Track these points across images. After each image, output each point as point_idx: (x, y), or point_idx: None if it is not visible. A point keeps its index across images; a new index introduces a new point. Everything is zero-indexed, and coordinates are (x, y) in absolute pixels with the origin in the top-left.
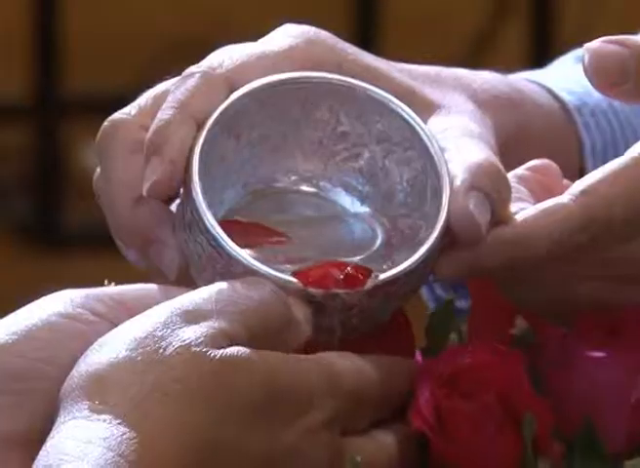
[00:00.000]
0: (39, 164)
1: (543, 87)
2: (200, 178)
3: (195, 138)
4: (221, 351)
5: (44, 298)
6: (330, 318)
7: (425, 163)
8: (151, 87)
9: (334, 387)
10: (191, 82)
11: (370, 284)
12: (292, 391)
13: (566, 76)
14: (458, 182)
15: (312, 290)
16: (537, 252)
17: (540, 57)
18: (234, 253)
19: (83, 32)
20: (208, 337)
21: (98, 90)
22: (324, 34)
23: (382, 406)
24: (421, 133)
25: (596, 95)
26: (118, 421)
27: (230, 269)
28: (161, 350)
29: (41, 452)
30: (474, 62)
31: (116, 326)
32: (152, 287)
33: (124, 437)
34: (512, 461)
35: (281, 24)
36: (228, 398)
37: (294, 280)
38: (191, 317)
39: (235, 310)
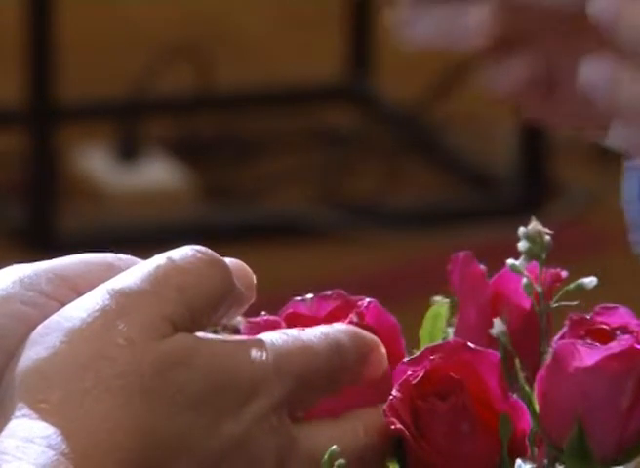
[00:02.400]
0: (34, 170)
1: None
2: None
3: None
4: (162, 344)
5: None
6: None
7: None
8: (146, 93)
9: (280, 369)
10: None
11: None
12: (234, 380)
13: None
14: None
15: None
16: None
17: None
18: None
19: (77, 38)
20: (148, 327)
21: (92, 96)
22: None
23: (332, 383)
24: None
25: None
26: (59, 419)
27: None
28: (101, 343)
29: None
30: (469, 68)
31: (64, 305)
32: (94, 259)
33: (65, 435)
34: (488, 462)
35: (278, 31)
36: (169, 393)
37: None
38: (128, 301)
39: (175, 289)
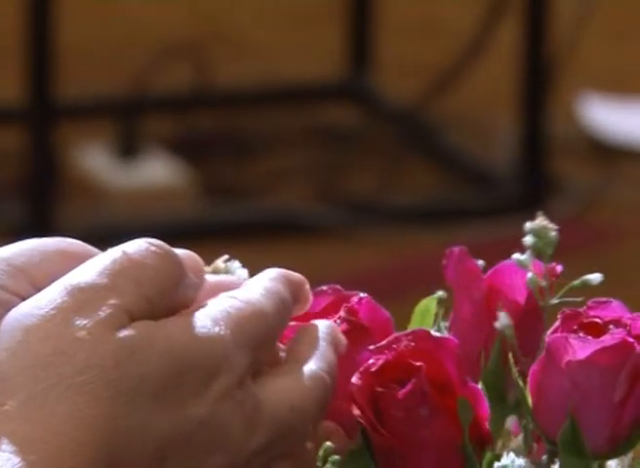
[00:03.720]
0: (34, 167)
1: None
2: None
3: None
4: (120, 333)
5: None
6: None
7: None
8: (146, 91)
9: (238, 341)
10: None
11: None
12: (195, 362)
13: None
14: None
15: None
16: None
17: (533, 60)
18: None
19: (77, 36)
20: (107, 320)
21: (92, 94)
22: None
23: (280, 333)
24: None
25: None
26: (23, 422)
27: None
28: (60, 339)
29: None
30: (469, 66)
31: (24, 299)
32: (47, 247)
33: (30, 439)
34: (449, 447)
35: (277, 30)
36: (132, 384)
37: None
38: (86, 296)
39: (132, 282)
